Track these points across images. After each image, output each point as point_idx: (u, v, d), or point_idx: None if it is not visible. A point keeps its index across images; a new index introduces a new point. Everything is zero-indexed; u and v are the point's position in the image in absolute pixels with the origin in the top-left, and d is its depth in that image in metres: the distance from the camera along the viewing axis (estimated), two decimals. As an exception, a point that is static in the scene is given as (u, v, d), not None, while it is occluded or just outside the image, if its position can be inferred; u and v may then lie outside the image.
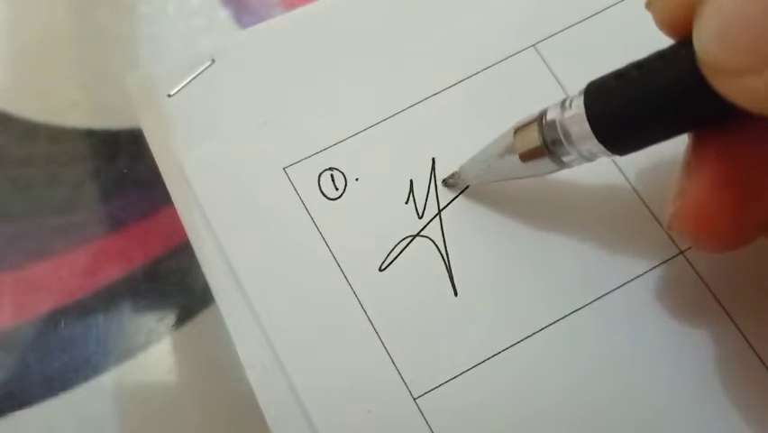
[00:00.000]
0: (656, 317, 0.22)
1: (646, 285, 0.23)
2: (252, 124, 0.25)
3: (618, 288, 0.23)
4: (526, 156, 0.21)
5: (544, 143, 0.20)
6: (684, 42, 0.17)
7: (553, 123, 0.20)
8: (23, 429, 0.23)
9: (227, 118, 0.25)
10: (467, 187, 0.24)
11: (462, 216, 0.24)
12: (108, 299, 0.25)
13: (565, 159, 0.20)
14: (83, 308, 0.25)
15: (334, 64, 0.26)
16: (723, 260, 0.23)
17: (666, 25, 0.18)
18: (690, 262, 0.23)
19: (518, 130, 0.21)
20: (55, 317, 0.25)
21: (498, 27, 0.26)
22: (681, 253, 0.23)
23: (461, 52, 0.26)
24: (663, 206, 0.23)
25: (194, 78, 0.26)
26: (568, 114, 0.19)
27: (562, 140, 0.20)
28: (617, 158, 0.24)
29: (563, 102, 0.20)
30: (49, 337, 0.24)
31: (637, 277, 0.23)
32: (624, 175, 0.24)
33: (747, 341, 0.22)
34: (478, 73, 0.25)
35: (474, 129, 0.25)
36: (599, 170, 0.24)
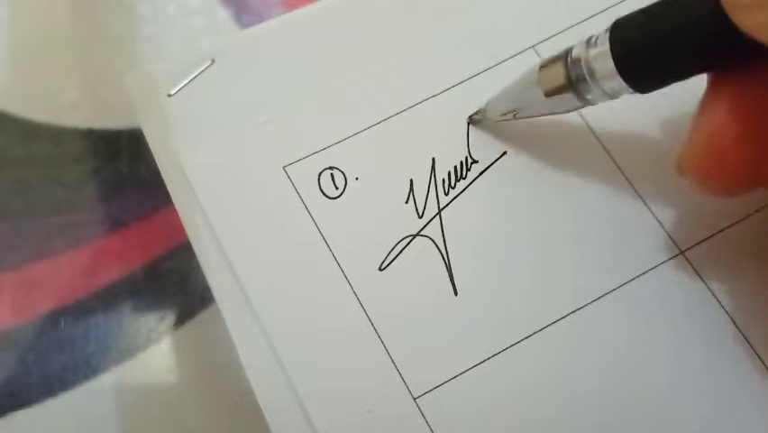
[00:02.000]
0: (656, 317, 0.22)
1: (646, 285, 0.23)
2: (252, 124, 0.25)
3: (618, 288, 0.23)
4: (551, 92, 0.21)
5: (569, 80, 0.20)
6: None
7: (578, 59, 0.20)
8: (23, 429, 0.23)
9: (227, 118, 0.25)
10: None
11: (462, 216, 0.24)
12: (108, 299, 0.25)
13: (589, 96, 0.21)
14: (83, 308, 0.25)
15: (334, 64, 0.26)
16: (723, 260, 0.23)
17: None
18: (690, 262, 0.23)
19: (543, 66, 0.21)
20: (55, 317, 0.25)
21: (497, 28, 0.26)
22: (682, 253, 0.23)
23: (461, 53, 0.26)
24: (663, 205, 0.24)
25: (194, 78, 0.26)
26: (593, 51, 0.20)
27: (587, 77, 0.20)
28: (618, 158, 0.24)
29: (589, 39, 0.20)
30: (49, 337, 0.24)
31: (637, 277, 0.23)
32: (624, 175, 0.24)
33: (747, 341, 0.22)
34: (478, 74, 0.25)
35: (474, 129, 0.25)
36: (600, 171, 0.24)
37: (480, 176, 0.24)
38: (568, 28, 0.26)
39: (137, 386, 0.24)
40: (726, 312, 0.22)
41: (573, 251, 0.23)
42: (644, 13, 0.19)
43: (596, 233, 0.23)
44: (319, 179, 0.24)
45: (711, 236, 0.23)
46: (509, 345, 0.22)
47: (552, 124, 0.24)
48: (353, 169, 0.24)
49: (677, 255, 0.23)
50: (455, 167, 0.24)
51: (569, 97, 0.21)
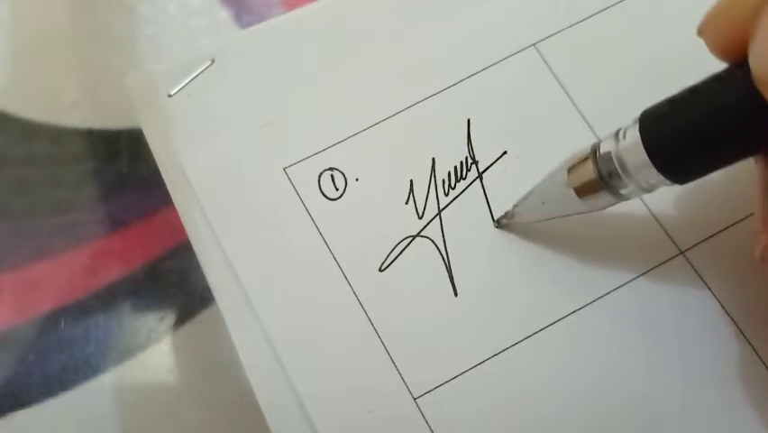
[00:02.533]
0: (656, 317, 0.22)
1: (646, 285, 0.23)
2: (252, 124, 0.25)
3: (619, 288, 0.23)
4: (582, 191, 0.20)
5: (600, 177, 0.19)
6: (739, 65, 0.16)
7: (608, 155, 0.19)
8: (23, 429, 0.23)
9: (227, 118, 0.25)
10: (468, 186, 0.24)
11: (462, 216, 0.24)
12: (108, 299, 0.25)
13: (623, 191, 0.20)
14: (83, 308, 0.25)
15: (334, 64, 0.26)
16: (723, 260, 0.23)
17: (719, 50, 0.18)
18: (690, 262, 0.23)
19: (572, 165, 0.20)
20: (55, 317, 0.25)
21: (498, 27, 0.26)
22: (681, 253, 0.23)
23: (462, 52, 0.26)
24: (663, 205, 0.24)
25: (194, 78, 0.26)
26: (623, 144, 0.19)
27: (619, 172, 0.19)
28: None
29: (617, 133, 0.19)
30: (49, 337, 0.24)
31: (637, 277, 0.23)
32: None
33: (747, 340, 0.22)
34: (478, 73, 0.25)
35: (474, 129, 0.25)
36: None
37: (480, 176, 0.24)
38: (568, 27, 0.26)
39: (137, 386, 0.24)
40: (727, 312, 0.22)
41: (573, 251, 0.23)
42: (672, 102, 0.18)
43: (596, 233, 0.23)
44: (319, 181, 0.24)
45: (711, 236, 0.23)
46: (509, 345, 0.22)
47: (552, 126, 0.24)
48: (353, 170, 0.24)
49: (677, 255, 0.23)
50: (455, 167, 0.24)
51: (603, 195, 0.20)
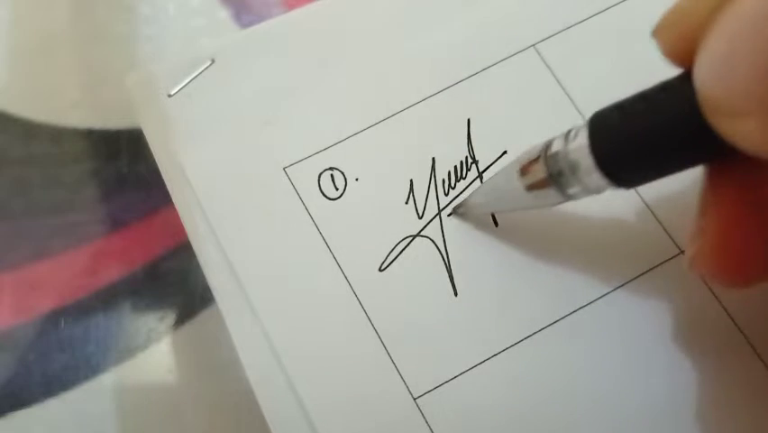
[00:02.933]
0: (656, 317, 0.22)
1: (646, 285, 0.23)
2: (252, 124, 0.25)
3: (619, 288, 0.23)
4: (532, 187, 0.20)
5: (550, 175, 0.20)
6: (688, 74, 0.16)
7: (557, 154, 0.19)
8: (23, 429, 0.23)
9: (227, 118, 0.25)
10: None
11: (462, 216, 0.24)
12: (108, 299, 0.25)
13: (570, 191, 0.20)
14: (83, 308, 0.25)
15: (334, 64, 0.26)
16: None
17: (672, 56, 0.17)
18: (690, 262, 0.23)
19: (524, 163, 0.20)
20: (55, 317, 0.25)
21: (498, 27, 0.26)
22: (682, 252, 0.23)
23: (462, 52, 0.26)
24: (666, 205, 0.24)
25: (194, 78, 0.26)
26: (572, 145, 0.19)
27: (566, 172, 0.19)
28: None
29: (568, 133, 0.19)
30: (49, 337, 0.24)
31: (637, 277, 0.23)
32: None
33: (747, 340, 0.22)
34: (478, 73, 0.25)
35: (474, 129, 0.25)
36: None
37: (480, 176, 0.24)
38: (568, 27, 0.26)
39: (137, 386, 0.24)
40: (727, 312, 0.22)
41: (573, 251, 0.23)
42: (620, 108, 0.18)
43: (596, 233, 0.23)
44: (319, 180, 0.24)
45: (711, 236, 0.23)
46: (509, 345, 0.22)
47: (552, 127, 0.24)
48: (353, 169, 0.24)
49: (677, 255, 0.23)
50: (455, 167, 0.24)
51: (551, 192, 0.20)
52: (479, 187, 0.23)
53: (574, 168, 0.19)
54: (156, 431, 0.24)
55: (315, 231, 0.24)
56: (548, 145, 0.20)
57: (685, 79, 0.16)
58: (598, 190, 0.19)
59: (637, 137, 0.17)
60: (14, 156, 0.27)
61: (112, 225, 0.26)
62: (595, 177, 0.18)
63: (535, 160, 0.20)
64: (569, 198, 0.20)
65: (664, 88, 0.17)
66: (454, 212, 0.24)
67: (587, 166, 0.18)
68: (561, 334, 0.22)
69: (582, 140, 0.18)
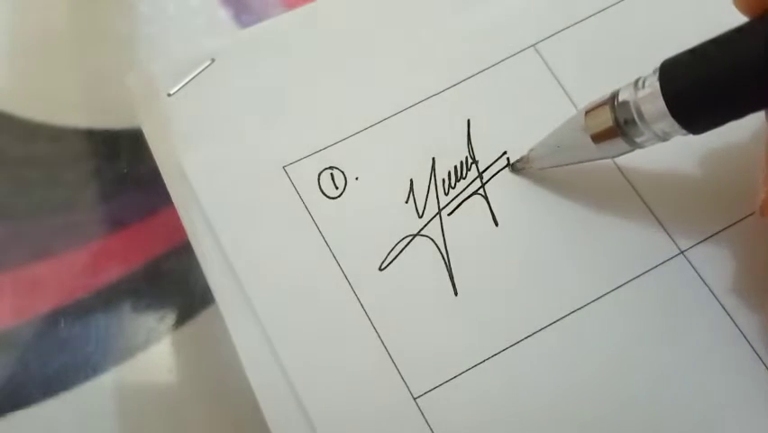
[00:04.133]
0: (656, 317, 0.22)
1: (646, 285, 0.23)
2: (252, 124, 0.25)
3: (619, 288, 0.23)
4: (599, 137, 0.21)
5: (617, 124, 0.20)
6: (760, 19, 0.17)
7: (625, 102, 0.20)
8: (23, 429, 0.23)
9: (227, 118, 0.25)
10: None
11: (462, 216, 0.24)
12: (108, 298, 0.25)
13: (638, 139, 0.20)
14: (83, 308, 0.25)
15: (334, 64, 0.26)
16: (723, 260, 0.23)
17: (743, 4, 0.18)
18: (690, 262, 0.23)
19: (589, 111, 0.21)
20: (55, 317, 0.25)
21: (498, 27, 0.26)
22: (681, 253, 0.23)
23: (462, 52, 0.26)
24: (666, 205, 0.24)
25: (194, 77, 0.26)
26: (642, 93, 0.19)
27: (636, 120, 0.20)
28: (619, 159, 0.24)
29: (636, 82, 0.20)
30: (49, 337, 0.24)
31: (637, 277, 0.23)
32: (624, 176, 0.24)
33: (747, 340, 0.22)
34: (478, 73, 0.25)
35: (474, 129, 0.25)
36: (600, 171, 0.24)
37: (480, 175, 0.24)
38: (568, 27, 0.26)
39: (137, 386, 0.24)
40: (726, 312, 0.22)
41: (574, 251, 0.23)
42: (692, 52, 0.18)
43: (596, 233, 0.23)
44: (319, 179, 0.24)
45: (711, 236, 0.23)
46: (509, 345, 0.22)
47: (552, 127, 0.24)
48: (353, 168, 0.24)
49: (677, 255, 0.23)
50: (455, 167, 0.24)
51: (618, 142, 0.20)
52: (542, 139, 0.23)
53: (644, 115, 0.19)
54: (156, 431, 0.24)
55: (315, 230, 0.24)
56: (615, 95, 0.20)
57: (758, 22, 0.17)
58: (665, 137, 0.20)
59: (709, 78, 0.18)
60: (14, 156, 0.27)
61: (112, 225, 0.26)
62: (664, 123, 0.19)
63: (602, 109, 0.20)
64: (636, 146, 0.20)
65: (737, 31, 0.18)
66: (512, 168, 0.24)
67: (657, 112, 0.19)
68: (560, 334, 0.22)
69: (653, 86, 0.19)
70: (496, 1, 0.26)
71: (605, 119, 0.20)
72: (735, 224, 0.23)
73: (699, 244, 0.23)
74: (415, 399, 0.22)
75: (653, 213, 0.24)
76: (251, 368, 0.22)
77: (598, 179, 0.24)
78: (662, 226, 0.23)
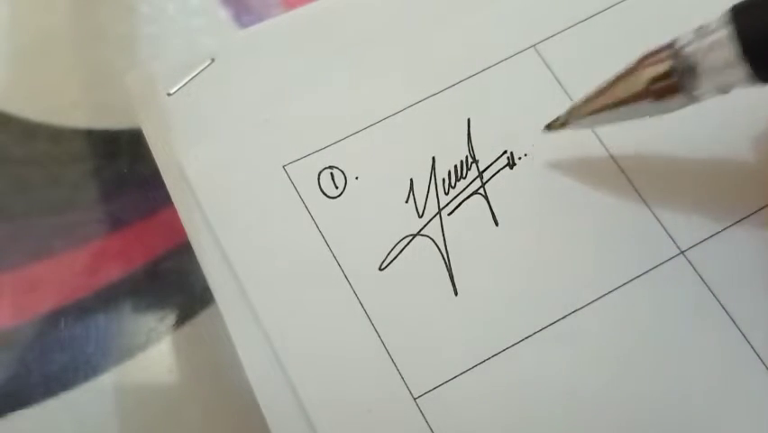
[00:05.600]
0: (656, 317, 0.22)
1: (646, 285, 0.23)
2: (252, 124, 0.25)
3: (618, 288, 0.23)
4: (655, 91, 0.19)
5: (676, 75, 0.19)
6: None
7: (686, 51, 0.18)
8: (23, 429, 0.23)
9: (227, 118, 0.25)
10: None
11: (462, 216, 0.24)
12: (108, 298, 0.25)
13: (697, 92, 0.19)
14: (83, 308, 0.25)
15: (334, 63, 0.26)
16: (723, 260, 0.23)
17: None
18: (690, 262, 0.23)
19: (645, 60, 0.19)
20: (55, 317, 0.25)
21: (498, 27, 0.26)
22: (682, 253, 0.23)
23: (462, 52, 0.26)
24: (666, 204, 0.24)
25: (194, 77, 0.26)
26: (707, 40, 0.18)
27: (697, 70, 0.18)
28: (618, 158, 0.24)
29: (699, 29, 0.18)
30: (49, 337, 0.24)
31: (637, 277, 0.23)
32: (625, 175, 0.24)
33: (747, 341, 0.22)
34: (478, 73, 0.25)
35: (474, 129, 0.25)
36: (601, 171, 0.24)
37: (480, 175, 0.24)
38: (568, 27, 0.26)
39: (137, 386, 0.24)
40: (726, 312, 0.22)
41: (574, 251, 0.23)
42: None
43: (596, 232, 0.23)
44: (319, 179, 0.24)
45: (711, 236, 0.23)
46: (509, 345, 0.22)
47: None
48: (353, 168, 0.24)
49: (677, 255, 0.23)
50: (455, 166, 0.24)
51: (675, 96, 0.19)
52: (584, 94, 0.21)
53: (708, 65, 0.18)
54: (156, 431, 0.23)
55: (315, 230, 0.24)
56: (673, 42, 0.19)
57: None
58: (726, 89, 0.18)
59: None
60: (14, 156, 0.27)
61: (112, 225, 0.26)
62: (732, 72, 0.18)
63: (659, 57, 0.19)
64: (693, 100, 0.19)
65: None
66: (551, 125, 0.22)
67: (724, 61, 0.18)
68: (560, 334, 0.22)
69: (721, 34, 0.18)
70: (496, 1, 0.26)
71: (662, 69, 0.19)
72: (735, 224, 0.23)
73: (699, 243, 0.23)
74: (415, 399, 0.22)
75: (653, 213, 0.24)
76: (251, 368, 0.22)
77: (599, 178, 0.24)
78: (662, 226, 0.23)
